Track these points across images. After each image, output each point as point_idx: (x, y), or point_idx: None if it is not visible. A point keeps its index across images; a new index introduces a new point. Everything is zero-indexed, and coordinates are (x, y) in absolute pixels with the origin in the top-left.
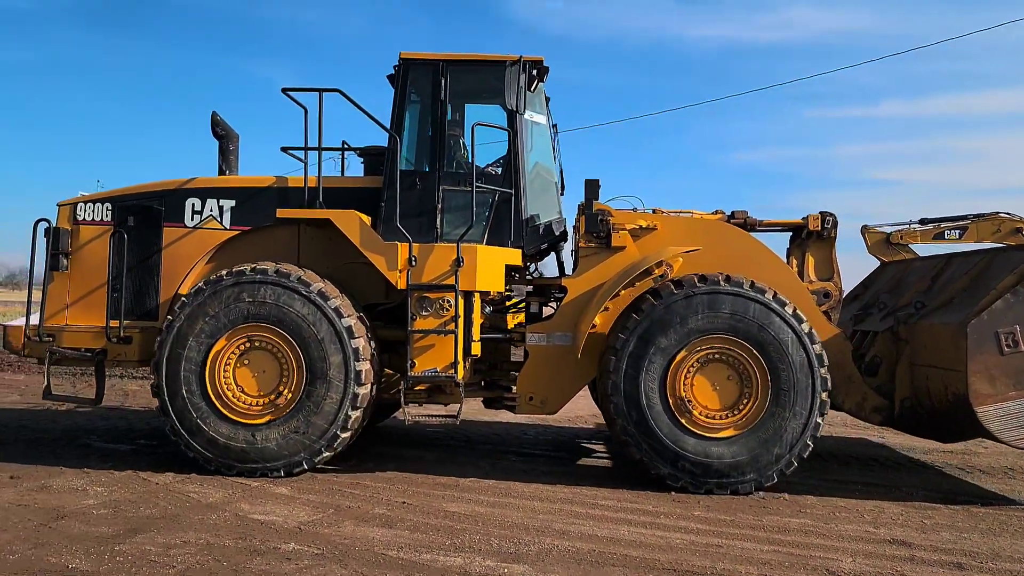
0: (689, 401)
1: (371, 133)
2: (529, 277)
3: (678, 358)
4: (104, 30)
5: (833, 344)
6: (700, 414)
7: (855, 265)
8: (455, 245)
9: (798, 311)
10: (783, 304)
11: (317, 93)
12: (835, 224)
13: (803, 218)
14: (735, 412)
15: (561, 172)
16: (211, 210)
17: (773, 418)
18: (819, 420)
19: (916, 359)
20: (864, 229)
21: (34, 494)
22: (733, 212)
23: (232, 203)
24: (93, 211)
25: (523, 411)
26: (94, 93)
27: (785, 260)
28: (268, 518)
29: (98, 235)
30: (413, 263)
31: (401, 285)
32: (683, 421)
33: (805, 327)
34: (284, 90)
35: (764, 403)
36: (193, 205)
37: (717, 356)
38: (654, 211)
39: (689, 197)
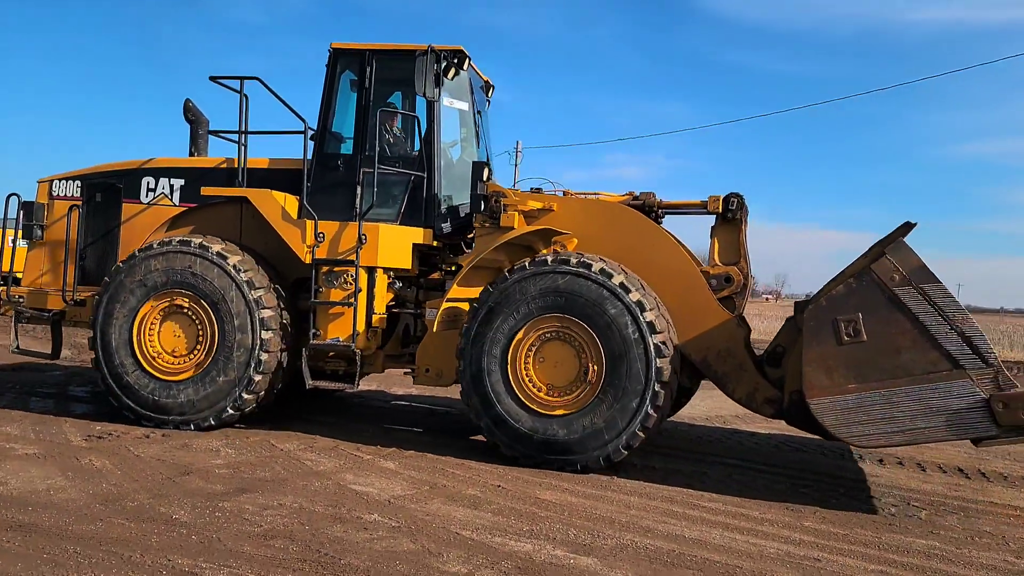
0: (528, 378)
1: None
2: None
3: (517, 337)
4: (319, 38)
5: (724, 330)
6: (539, 392)
7: None
8: (358, 223)
9: (633, 288)
10: (609, 276)
11: (239, 81)
12: (741, 206)
13: (703, 200)
14: (570, 391)
15: (487, 156)
16: (163, 188)
17: (604, 400)
18: (650, 410)
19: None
20: None
21: (175, 451)
22: (640, 194)
23: (182, 182)
24: (66, 187)
25: (420, 382)
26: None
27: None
28: (365, 489)
29: (69, 209)
30: (320, 239)
31: (307, 260)
32: (522, 397)
33: (647, 317)
34: (212, 78)
35: (598, 384)
36: (148, 183)
37: (556, 335)
38: (565, 193)
39: (897, 193)
